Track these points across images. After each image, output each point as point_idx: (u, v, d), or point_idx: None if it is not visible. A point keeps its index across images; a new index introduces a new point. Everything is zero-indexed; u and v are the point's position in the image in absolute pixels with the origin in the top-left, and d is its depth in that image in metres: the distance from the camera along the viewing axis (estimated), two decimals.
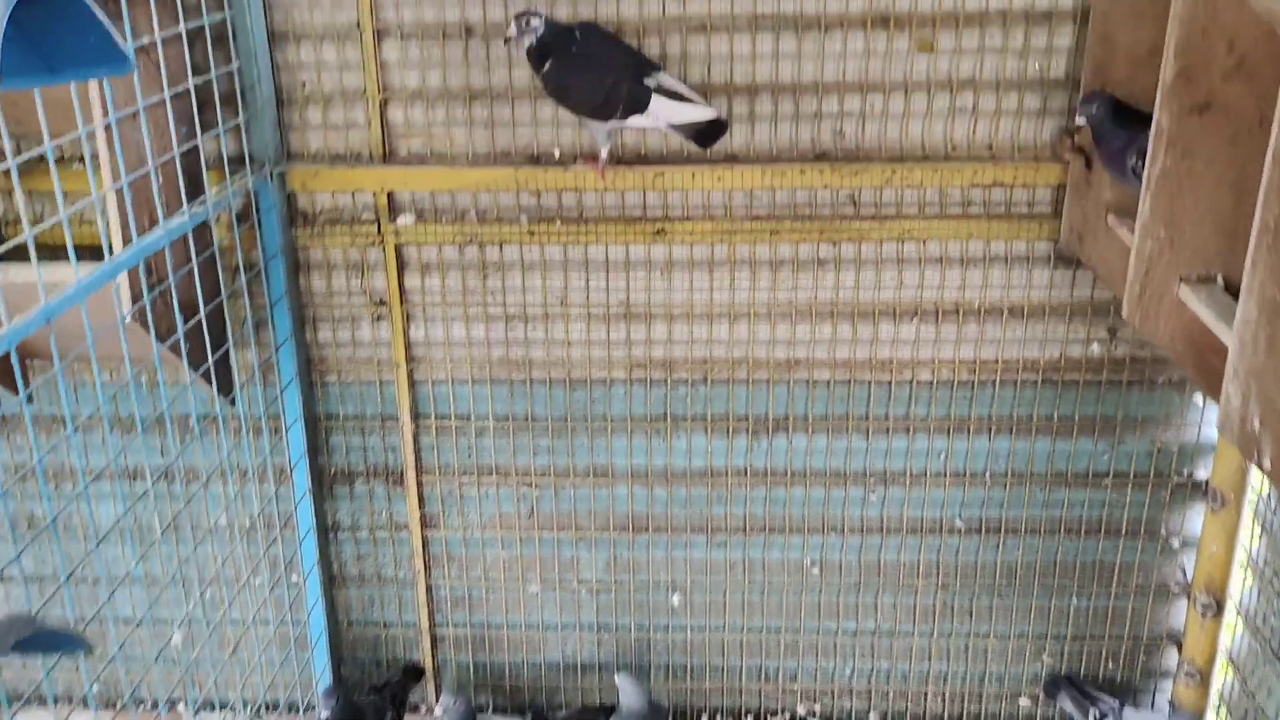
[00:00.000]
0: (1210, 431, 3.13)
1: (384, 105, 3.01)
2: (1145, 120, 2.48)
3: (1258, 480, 3.08)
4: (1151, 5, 2.60)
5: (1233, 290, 2.26)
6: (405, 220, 3.10)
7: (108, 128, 2.39)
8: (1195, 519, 3.23)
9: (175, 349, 2.68)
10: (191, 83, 2.62)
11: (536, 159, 3.03)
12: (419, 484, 3.40)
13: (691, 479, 3.35)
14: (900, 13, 2.84)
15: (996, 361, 3.14)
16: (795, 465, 3.30)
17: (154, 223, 2.55)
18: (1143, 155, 2.45)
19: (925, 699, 3.54)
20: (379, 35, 2.94)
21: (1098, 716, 3.15)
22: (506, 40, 2.70)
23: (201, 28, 2.69)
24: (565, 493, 3.39)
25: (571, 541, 3.45)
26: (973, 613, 3.42)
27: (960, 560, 3.36)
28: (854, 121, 2.95)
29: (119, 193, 2.44)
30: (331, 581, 3.52)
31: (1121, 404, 3.14)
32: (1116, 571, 3.32)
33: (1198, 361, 2.37)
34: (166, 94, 2.55)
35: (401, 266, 3.17)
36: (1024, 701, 3.49)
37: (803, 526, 3.37)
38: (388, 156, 3.06)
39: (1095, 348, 3.10)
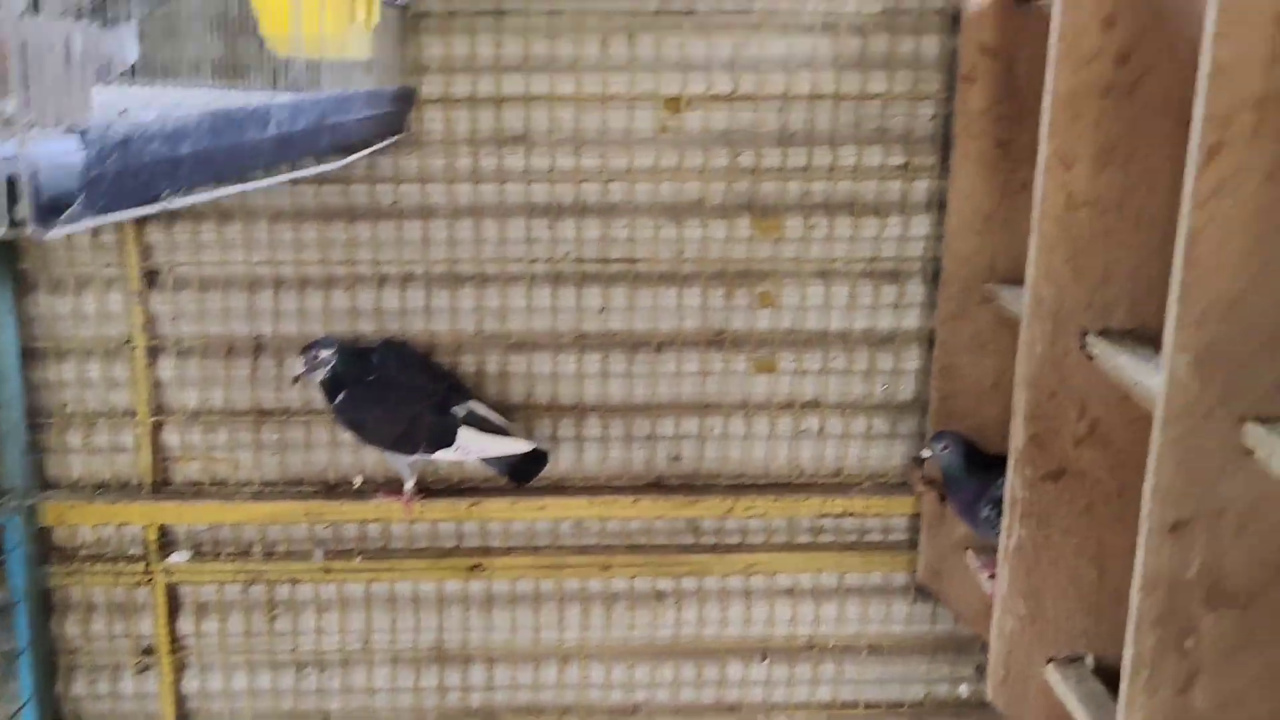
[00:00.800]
0: None
1: (156, 428, 2.63)
2: (997, 464, 2.29)
3: None
4: (994, 338, 2.47)
5: (1103, 672, 2.01)
6: (179, 557, 2.67)
7: None
8: None
9: None
10: None
11: (333, 487, 2.67)
12: None
13: None
14: (737, 331, 2.63)
15: (857, 704, 2.81)
16: None
17: None
18: (996, 505, 2.24)
19: None
20: (153, 351, 2.59)
21: None
22: (295, 379, 2.39)
23: None
24: None
25: None
26: None
27: None
28: (691, 445, 2.69)
29: None
30: None
31: None
32: None
33: None
34: None
35: (174, 608, 2.71)
36: None
37: None
38: (161, 485, 2.65)
39: (963, 688, 2.80)
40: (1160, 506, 1.45)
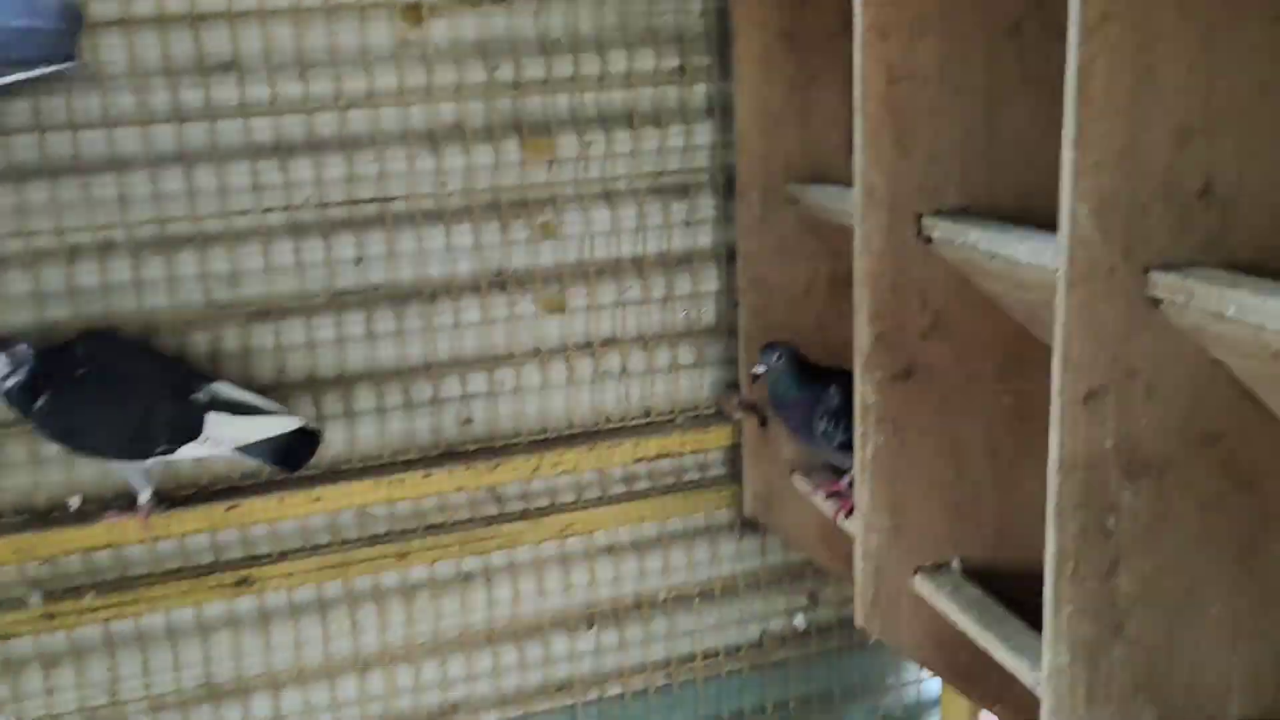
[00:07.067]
0: (931, 686, 2.79)
1: None
2: (826, 376, 2.14)
3: None
4: (799, 243, 2.31)
5: (970, 573, 1.90)
6: None
7: None
8: None
9: None
10: None
11: (44, 514, 2.14)
12: None
13: None
14: (519, 270, 2.33)
15: (693, 656, 2.62)
16: None
17: None
18: (831, 417, 2.09)
19: None
20: None
21: None
22: None
23: None
24: None
25: None
26: None
27: None
28: (483, 404, 2.37)
29: None
30: None
31: (836, 674, 2.73)
32: None
33: (950, 663, 1.97)
34: None
35: None
36: None
37: None
38: None
39: (799, 618, 2.67)
40: (1072, 377, 1.30)
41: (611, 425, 2.45)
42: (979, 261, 1.68)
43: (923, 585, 1.90)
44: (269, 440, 2.03)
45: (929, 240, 1.76)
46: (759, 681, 2.67)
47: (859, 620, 1.94)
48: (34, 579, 2.17)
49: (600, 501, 2.47)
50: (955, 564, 1.92)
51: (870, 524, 1.87)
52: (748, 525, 2.58)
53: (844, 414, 2.02)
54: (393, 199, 2.25)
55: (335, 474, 2.28)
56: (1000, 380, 1.87)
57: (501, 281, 2.33)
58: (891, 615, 1.93)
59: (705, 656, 2.62)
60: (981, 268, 1.70)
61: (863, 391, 1.82)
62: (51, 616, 2.16)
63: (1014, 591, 1.78)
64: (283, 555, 2.29)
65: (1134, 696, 1.43)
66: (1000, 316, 1.82)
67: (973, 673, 1.94)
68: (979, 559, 1.94)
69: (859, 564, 1.91)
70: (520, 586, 2.47)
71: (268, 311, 2.21)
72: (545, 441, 2.40)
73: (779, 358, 2.12)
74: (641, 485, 2.50)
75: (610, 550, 2.51)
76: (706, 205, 2.42)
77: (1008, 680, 1.75)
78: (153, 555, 2.22)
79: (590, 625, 2.53)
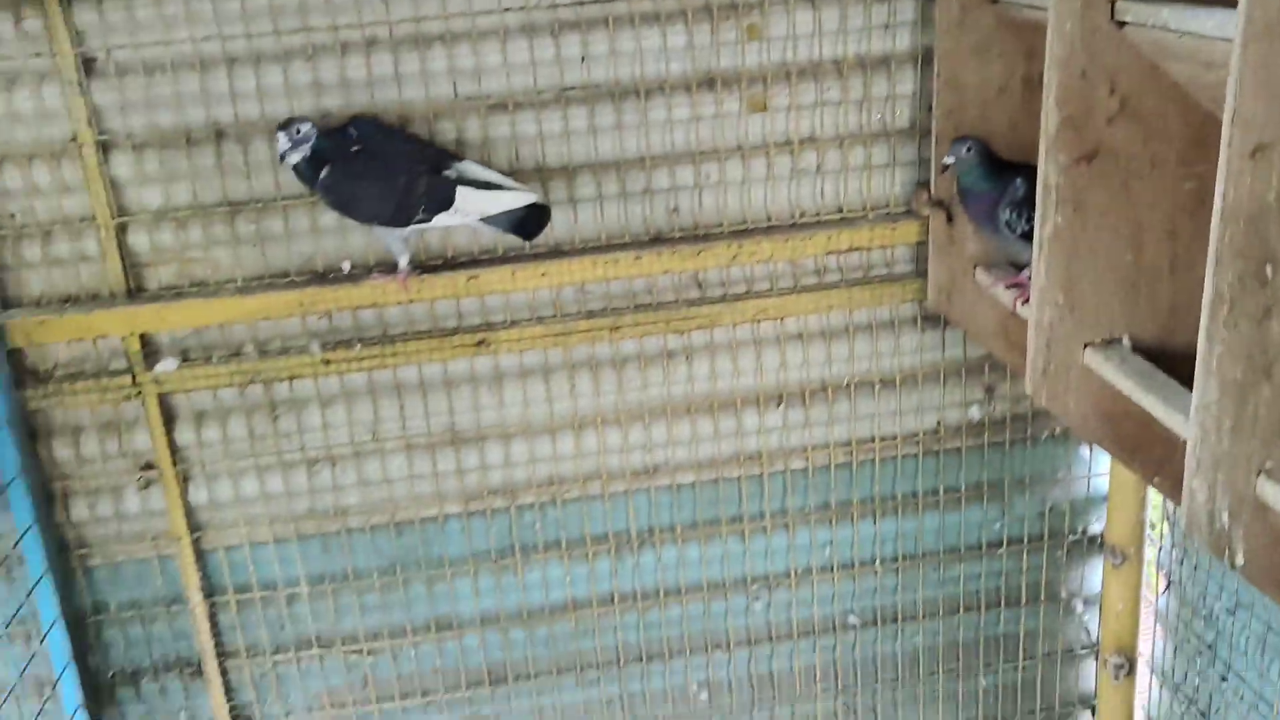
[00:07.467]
0: (1100, 483, 2.93)
1: (121, 231, 2.45)
2: (1012, 169, 2.26)
3: (1157, 533, 2.90)
4: (997, 42, 2.39)
5: (1140, 350, 2.03)
6: (167, 365, 2.53)
7: None
8: (1095, 576, 3.02)
9: None
10: None
11: (322, 275, 2.53)
12: (223, 671, 2.80)
13: (551, 615, 2.89)
14: (725, 71, 2.51)
15: (873, 438, 2.84)
16: (667, 581, 2.90)
17: None
18: (1015, 207, 2.23)
19: None
20: (104, 149, 2.38)
21: None
22: (283, 157, 2.21)
23: None
24: (404, 653, 2.87)
25: (419, 709, 2.92)
26: (878, 711, 3.10)
27: (859, 657, 3.04)
28: (689, 196, 2.60)
29: None
30: None
31: (1006, 465, 2.90)
32: (1021, 642, 3.07)
33: (1114, 435, 2.11)
34: None
35: (169, 419, 2.59)
36: None
37: (683, 647, 2.97)
38: (134, 291, 2.49)
39: (974, 410, 2.85)
40: (1241, 132, 1.41)
41: (806, 219, 2.64)
42: (1169, 42, 1.76)
43: (1092, 358, 2.04)
44: (508, 212, 2.32)
45: (1121, 25, 1.84)
46: (932, 466, 2.88)
47: (1029, 388, 2.11)
48: (313, 331, 2.58)
49: (792, 290, 2.68)
50: (1125, 341, 2.05)
51: (1045, 298, 2.02)
52: (930, 319, 2.75)
53: (1028, 205, 2.14)
54: (615, 0, 2.45)
55: (559, 253, 2.58)
56: (1183, 165, 1.95)
57: (710, 81, 2.52)
58: (1060, 386, 2.09)
59: (883, 439, 2.84)
60: (1171, 49, 1.78)
61: (1046, 172, 1.94)
62: (328, 363, 2.57)
63: (1181, 372, 1.89)
64: (514, 323, 2.62)
65: (1278, 437, 1.57)
66: (1186, 102, 1.90)
67: (1136, 444, 2.07)
68: (1149, 339, 2.06)
69: (1032, 336, 2.06)
70: (717, 365, 2.73)
71: (504, 105, 2.48)
72: (744, 232, 2.62)
73: (969, 149, 2.25)
74: (831, 277, 2.70)
75: (799, 336, 2.73)
76: (906, 8, 2.51)
77: (1169, 452, 1.90)
78: (407, 317, 2.60)
79: (779, 404, 2.79)
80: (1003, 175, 2.24)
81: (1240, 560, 1.63)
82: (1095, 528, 2.98)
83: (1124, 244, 1.99)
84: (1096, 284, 2.01)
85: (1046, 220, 1.96)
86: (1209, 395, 1.55)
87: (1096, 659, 3.07)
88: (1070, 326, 2.04)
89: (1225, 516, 1.61)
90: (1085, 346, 2.05)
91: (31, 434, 2.55)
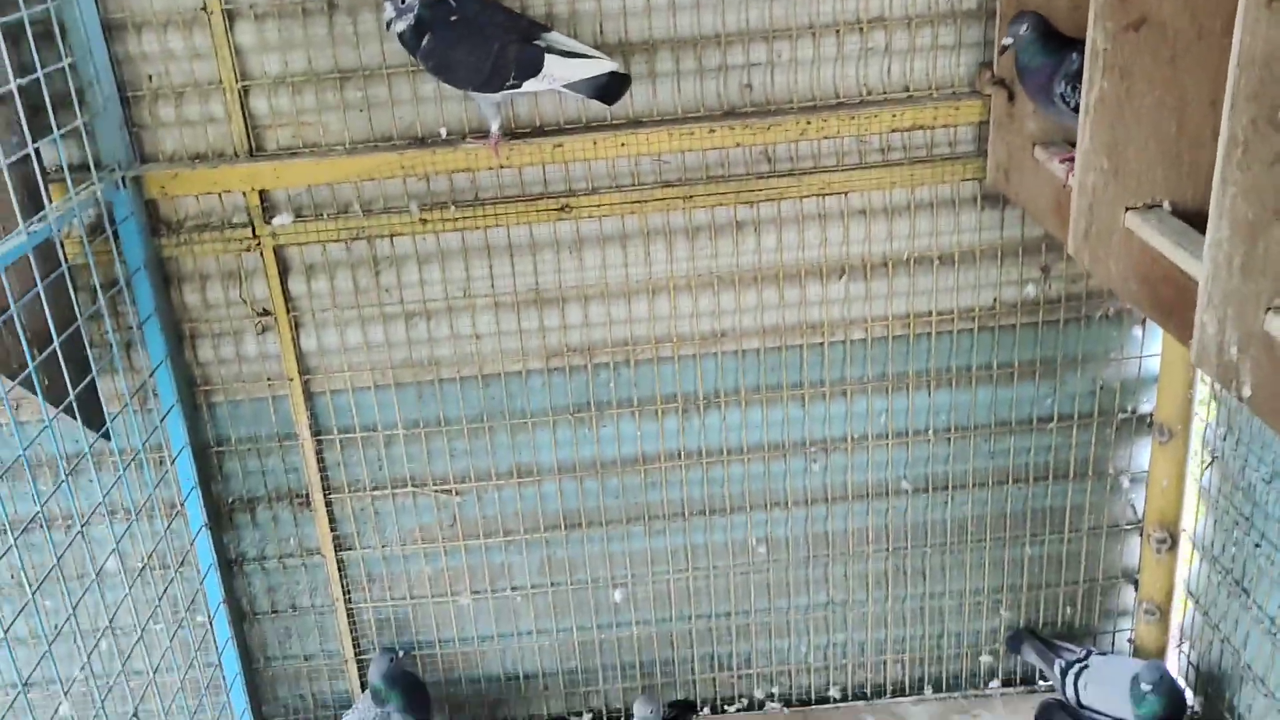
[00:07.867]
0: (1151, 364, 3.04)
1: (244, 95, 2.71)
2: (1069, 44, 2.36)
3: (1204, 410, 3.00)
4: None
5: (1180, 215, 2.14)
6: (283, 220, 2.80)
7: None
8: (1142, 454, 3.14)
9: (29, 384, 2.36)
10: (15, 84, 2.28)
11: (422, 140, 2.77)
12: (328, 504, 3.12)
13: (623, 467, 3.14)
14: None
15: (930, 313, 2.99)
16: (731, 441, 3.12)
17: None
18: (1070, 80, 2.33)
19: (885, 667, 3.42)
20: (230, 17, 2.64)
21: (1064, 667, 3.05)
22: (389, 25, 2.44)
23: (21, 21, 2.34)
24: (489, 496, 3.15)
25: (500, 547, 3.21)
26: (926, 574, 3.29)
27: (909, 521, 3.23)
28: (761, 73, 2.75)
29: None
30: (241, 618, 3.22)
31: (1060, 343, 3.03)
32: (1067, 515, 3.22)
33: (1152, 297, 2.23)
34: None
35: (284, 270, 2.87)
36: (985, 658, 3.39)
37: (744, 504, 3.20)
38: (255, 151, 2.75)
39: (1030, 288, 2.98)
40: None
41: (873, 98, 2.78)
42: None
43: (1133, 220, 2.15)
44: (592, 78, 2.51)
45: None
46: (987, 342, 3.02)
47: (1071, 249, 2.24)
48: (412, 193, 2.83)
49: (857, 166, 2.83)
50: (1166, 205, 2.16)
51: (1089, 162, 2.13)
52: (989, 199, 2.87)
53: (1083, 79, 2.24)
54: None
55: (637, 124, 2.76)
56: (1229, 35, 2.03)
57: None
58: (1101, 248, 2.21)
59: (940, 314, 2.99)
60: None
61: (1093, 38, 2.04)
62: (425, 223, 2.82)
63: None
64: (594, 190, 2.83)
65: None
66: None
67: (1173, 306, 2.18)
68: (1190, 205, 2.16)
69: (1075, 199, 2.18)
70: (784, 236, 2.90)
71: None
72: (813, 108, 2.76)
73: (1026, 27, 2.35)
74: (895, 155, 2.83)
75: (863, 212, 2.88)
76: None
77: None
78: (497, 182, 2.82)
79: (841, 276, 2.95)
80: (1060, 50, 2.33)
81: (1247, 391, 1.76)
82: (1145, 407, 3.10)
83: (1168, 112, 2.09)
84: (1140, 150, 2.12)
85: (1093, 85, 2.07)
86: (1221, 233, 1.68)
87: (1141, 534, 3.20)
88: (1113, 190, 2.16)
89: (1234, 350, 1.75)
90: (1127, 210, 2.17)
91: (165, 279, 2.86)
